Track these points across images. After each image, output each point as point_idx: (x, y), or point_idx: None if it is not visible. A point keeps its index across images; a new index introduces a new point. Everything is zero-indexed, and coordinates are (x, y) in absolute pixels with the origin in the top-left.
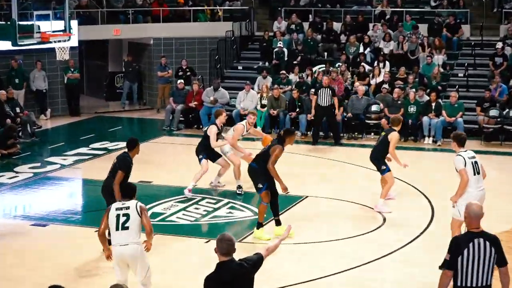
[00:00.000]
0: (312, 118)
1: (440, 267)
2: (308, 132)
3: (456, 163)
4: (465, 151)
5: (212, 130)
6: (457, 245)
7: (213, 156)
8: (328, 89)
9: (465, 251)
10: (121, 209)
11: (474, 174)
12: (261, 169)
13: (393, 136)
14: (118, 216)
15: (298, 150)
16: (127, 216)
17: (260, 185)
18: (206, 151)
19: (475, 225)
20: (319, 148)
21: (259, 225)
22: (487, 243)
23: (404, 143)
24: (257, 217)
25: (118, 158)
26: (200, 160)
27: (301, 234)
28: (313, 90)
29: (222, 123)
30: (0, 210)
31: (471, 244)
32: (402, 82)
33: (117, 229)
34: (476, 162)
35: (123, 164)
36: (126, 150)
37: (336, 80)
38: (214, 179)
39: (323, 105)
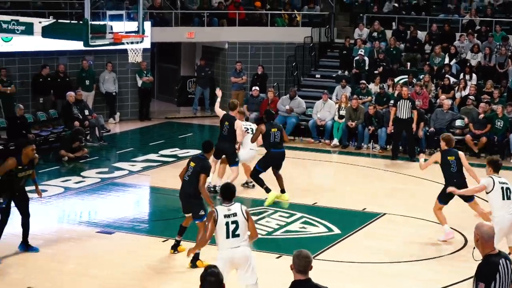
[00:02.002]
0: (392, 131)
1: None
2: (388, 146)
3: (484, 180)
4: (499, 176)
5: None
6: (489, 271)
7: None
8: (408, 101)
9: (497, 276)
10: (228, 216)
11: (503, 199)
12: None
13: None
14: (227, 224)
15: (375, 165)
16: (236, 223)
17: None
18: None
19: (491, 247)
20: (398, 163)
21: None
22: (508, 262)
23: None
24: (332, 233)
25: (196, 161)
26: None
27: (378, 253)
28: (392, 101)
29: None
30: (65, 215)
31: (500, 267)
32: (489, 96)
33: (227, 237)
34: (508, 188)
35: (206, 167)
36: (201, 152)
37: (420, 94)
38: (217, 180)
39: (402, 117)
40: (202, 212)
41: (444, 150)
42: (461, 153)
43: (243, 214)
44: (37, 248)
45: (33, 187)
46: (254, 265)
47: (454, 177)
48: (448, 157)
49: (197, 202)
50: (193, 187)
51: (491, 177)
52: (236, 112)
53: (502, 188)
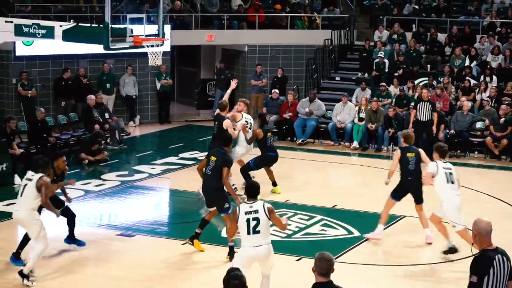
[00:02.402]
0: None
1: None
2: None
3: (429, 166)
4: (444, 162)
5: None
6: (482, 265)
7: None
8: (428, 103)
9: (491, 271)
10: (250, 213)
11: (447, 182)
12: None
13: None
14: (248, 220)
15: (377, 165)
16: (257, 220)
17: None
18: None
19: (488, 243)
20: None
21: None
22: (505, 258)
23: (510, 163)
24: (352, 235)
25: (217, 155)
26: None
27: (398, 256)
28: (412, 104)
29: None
30: (85, 218)
31: (494, 262)
32: (509, 98)
33: (248, 233)
34: (451, 173)
35: (228, 161)
36: (222, 146)
37: (441, 96)
38: None
39: (422, 120)
40: (226, 205)
41: (404, 147)
42: (421, 151)
43: (264, 212)
44: (84, 242)
45: None
46: (272, 262)
47: (410, 175)
48: (408, 154)
49: (221, 195)
50: (216, 180)
51: (435, 162)
52: (225, 112)
53: (445, 172)
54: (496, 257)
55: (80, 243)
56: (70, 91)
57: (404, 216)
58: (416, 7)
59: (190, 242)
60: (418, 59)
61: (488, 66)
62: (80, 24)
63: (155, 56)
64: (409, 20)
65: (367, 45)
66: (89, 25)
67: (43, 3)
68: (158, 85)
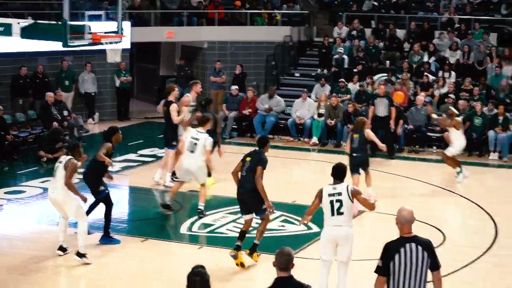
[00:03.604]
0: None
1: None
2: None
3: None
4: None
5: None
6: (388, 250)
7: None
8: (385, 99)
9: (396, 256)
10: (333, 195)
11: (332, 215)
12: None
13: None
14: (331, 202)
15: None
16: (340, 202)
17: None
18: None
19: (407, 230)
20: (377, 160)
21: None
22: (419, 247)
23: (468, 158)
24: (311, 231)
25: (253, 155)
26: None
27: (359, 251)
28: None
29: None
30: (43, 216)
31: (402, 249)
32: (467, 93)
33: (332, 214)
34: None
35: (263, 160)
36: (258, 148)
37: (400, 91)
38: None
39: (380, 115)
40: (264, 206)
41: (352, 130)
42: (366, 131)
43: (348, 194)
44: (119, 240)
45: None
46: (351, 247)
47: (354, 151)
48: (354, 135)
49: (258, 196)
50: (252, 181)
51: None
52: (173, 97)
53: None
54: (408, 245)
55: (114, 241)
56: (28, 89)
57: (364, 211)
58: (375, 3)
59: (233, 255)
60: (377, 55)
61: (447, 62)
62: (38, 21)
63: (114, 53)
64: (368, 16)
65: (326, 41)
66: (47, 22)
67: (0, 0)
68: (118, 82)
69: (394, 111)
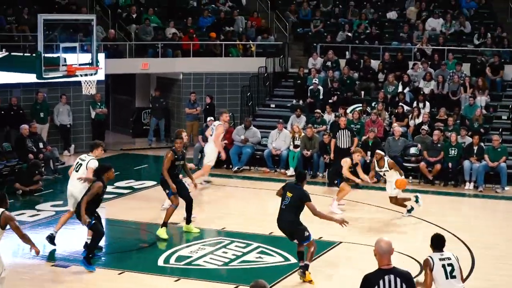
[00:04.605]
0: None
1: None
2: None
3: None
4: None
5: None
6: (367, 282)
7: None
8: (347, 131)
9: None
10: (443, 259)
11: (447, 278)
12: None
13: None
14: (444, 266)
15: (331, 193)
16: (451, 266)
17: (167, 191)
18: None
19: (385, 262)
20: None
21: (164, 224)
22: (398, 279)
23: (443, 188)
24: (288, 262)
25: (293, 191)
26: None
27: (336, 282)
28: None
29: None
30: (19, 249)
31: (381, 281)
32: (442, 124)
33: (446, 278)
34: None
35: (306, 195)
36: (296, 182)
37: (376, 122)
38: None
39: (342, 147)
40: (307, 234)
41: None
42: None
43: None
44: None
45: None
46: None
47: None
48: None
49: (300, 227)
50: (294, 214)
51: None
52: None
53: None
54: (386, 277)
55: (89, 267)
56: (2, 121)
57: (340, 242)
58: (349, 34)
59: (303, 276)
60: (352, 86)
61: (421, 92)
62: (12, 53)
63: (89, 85)
64: (343, 47)
65: (302, 72)
66: (21, 54)
67: None
68: (93, 114)
69: (356, 141)
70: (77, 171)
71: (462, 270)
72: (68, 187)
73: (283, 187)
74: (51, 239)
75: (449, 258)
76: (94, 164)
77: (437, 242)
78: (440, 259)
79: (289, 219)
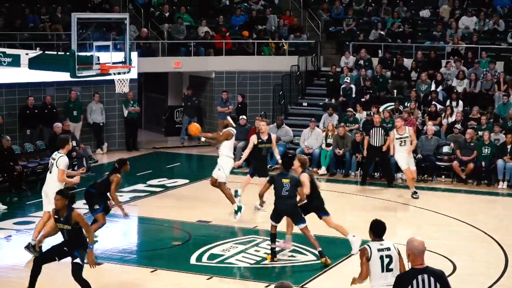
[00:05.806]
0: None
1: None
2: (375, 174)
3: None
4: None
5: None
6: (400, 283)
7: None
8: (380, 129)
9: None
10: (382, 250)
11: (382, 271)
12: (98, 193)
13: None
14: (382, 257)
15: (363, 192)
16: (389, 258)
17: (96, 206)
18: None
19: (419, 262)
20: (370, 189)
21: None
22: (432, 279)
23: (476, 187)
24: (320, 261)
25: (289, 178)
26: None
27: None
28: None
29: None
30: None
31: (414, 281)
32: (475, 122)
33: (382, 270)
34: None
35: (299, 181)
36: (285, 170)
37: (408, 120)
38: None
39: (375, 145)
40: (303, 216)
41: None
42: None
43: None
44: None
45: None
46: None
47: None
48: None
49: (299, 210)
50: (295, 197)
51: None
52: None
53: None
54: (420, 276)
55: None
56: (36, 119)
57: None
58: (382, 33)
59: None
60: (384, 84)
61: (454, 91)
62: (46, 52)
63: (122, 83)
64: (375, 46)
65: (334, 70)
66: (55, 52)
67: (8, 31)
68: (126, 112)
69: (389, 140)
70: (50, 172)
71: (405, 265)
72: (43, 188)
73: (270, 181)
74: (32, 247)
75: (388, 249)
76: (63, 165)
77: (377, 229)
78: (379, 250)
79: (293, 202)
